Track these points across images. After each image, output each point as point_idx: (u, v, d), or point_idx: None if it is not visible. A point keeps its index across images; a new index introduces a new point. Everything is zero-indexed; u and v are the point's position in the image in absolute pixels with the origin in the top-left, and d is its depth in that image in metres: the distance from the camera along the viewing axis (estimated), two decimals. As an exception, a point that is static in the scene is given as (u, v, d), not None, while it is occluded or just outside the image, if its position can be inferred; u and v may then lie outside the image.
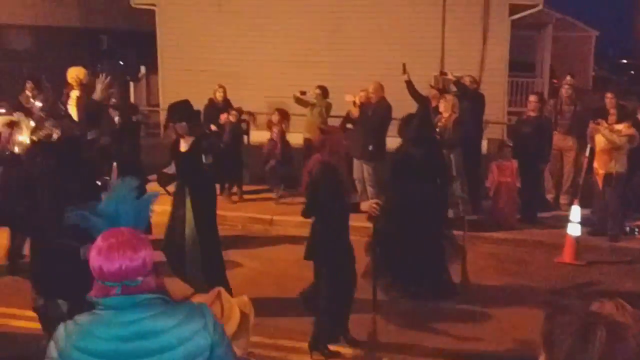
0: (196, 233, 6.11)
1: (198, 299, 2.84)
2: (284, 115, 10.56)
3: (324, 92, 10.87)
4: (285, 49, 14.16)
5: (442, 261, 6.74)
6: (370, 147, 9.14)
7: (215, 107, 10.77)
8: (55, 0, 17.73)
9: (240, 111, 10.55)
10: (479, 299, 6.67)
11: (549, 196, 10.05)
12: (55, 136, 5.02)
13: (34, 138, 4.98)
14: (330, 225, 5.36)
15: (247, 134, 10.87)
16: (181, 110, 6.23)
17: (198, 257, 6.17)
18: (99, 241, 2.21)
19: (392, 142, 11.11)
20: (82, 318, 2.20)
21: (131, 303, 2.17)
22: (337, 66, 13.65)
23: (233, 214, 9.58)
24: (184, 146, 6.21)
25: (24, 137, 7.33)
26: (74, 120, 7.14)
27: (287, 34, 14.15)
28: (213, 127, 10.15)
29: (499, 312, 6.44)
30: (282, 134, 10.46)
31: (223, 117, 10.29)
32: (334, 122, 10.99)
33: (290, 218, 9.37)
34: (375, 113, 9.31)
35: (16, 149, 6.47)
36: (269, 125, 10.54)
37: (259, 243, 8.63)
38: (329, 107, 10.84)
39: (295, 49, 14.11)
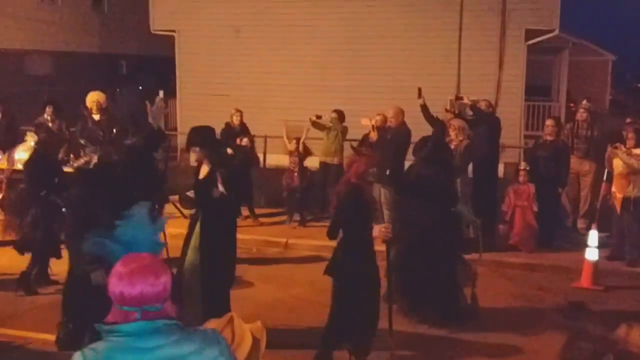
0: (198, 261, 5.82)
1: (211, 324, 2.86)
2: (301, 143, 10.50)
3: (340, 115, 10.92)
4: (302, 74, 14.28)
5: (456, 284, 6.68)
6: (388, 171, 9.15)
7: (232, 131, 10.86)
8: (75, 27, 18.05)
9: (251, 139, 10.60)
10: (496, 324, 6.58)
11: (567, 220, 9.97)
12: (93, 162, 5.17)
13: (75, 165, 5.09)
14: (355, 246, 5.36)
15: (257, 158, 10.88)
16: (202, 136, 6.10)
17: (197, 287, 5.83)
18: (120, 267, 2.21)
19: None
20: (100, 345, 2.17)
21: (150, 329, 2.16)
22: (353, 90, 13.72)
23: (248, 236, 9.58)
24: (202, 172, 6.10)
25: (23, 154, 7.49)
26: (112, 144, 7.26)
27: (303, 59, 14.27)
28: (229, 151, 10.21)
29: (515, 337, 6.35)
30: (300, 163, 10.37)
31: (239, 141, 10.37)
32: (348, 145, 11.05)
33: (306, 241, 9.41)
34: (393, 137, 9.33)
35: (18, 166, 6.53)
36: (289, 154, 10.48)
37: (274, 266, 8.62)
38: (345, 130, 10.88)
39: (312, 73, 14.23)
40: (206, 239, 5.84)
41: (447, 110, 9.97)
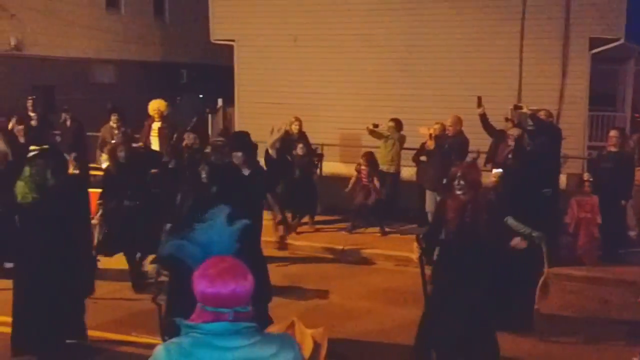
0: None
1: (273, 328, 2.88)
2: (371, 160, 10.29)
3: (398, 124, 10.87)
4: (359, 82, 14.30)
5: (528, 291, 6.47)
6: (445, 180, 9.03)
7: (290, 139, 10.94)
8: (138, 36, 18.56)
9: (311, 148, 10.63)
10: (559, 338, 6.41)
11: (632, 233, 9.64)
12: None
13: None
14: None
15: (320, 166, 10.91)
16: (239, 140, 6.24)
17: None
18: (207, 269, 2.22)
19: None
20: (183, 340, 2.19)
21: (233, 330, 2.18)
22: (411, 99, 13.65)
23: (304, 243, 9.66)
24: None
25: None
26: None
27: (361, 67, 14.29)
28: (288, 158, 10.29)
29: (579, 351, 6.17)
30: (371, 177, 10.18)
31: (301, 146, 10.44)
32: (407, 154, 11.00)
33: (362, 249, 9.38)
34: (451, 146, 9.24)
35: None
36: (357, 170, 10.32)
37: (331, 274, 8.62)
38: (402, 139, 10.82)
39: (369, 82, 14.23)
40: (253, 244, 5.93)
41: (506, 120, 9.81)
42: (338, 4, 14.43)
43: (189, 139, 9.04)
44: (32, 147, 5.84)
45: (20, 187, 5.45)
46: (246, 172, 6.03)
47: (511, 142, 8.59)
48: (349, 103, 14.30)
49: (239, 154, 6.04)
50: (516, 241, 5.37)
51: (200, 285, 2.19)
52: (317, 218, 10.60)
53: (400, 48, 14.04)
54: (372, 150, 11.04)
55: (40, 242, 5.53)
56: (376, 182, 10.14)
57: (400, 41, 14.03)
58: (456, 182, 5.26)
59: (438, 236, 5.45)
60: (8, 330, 5.88)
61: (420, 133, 9.78)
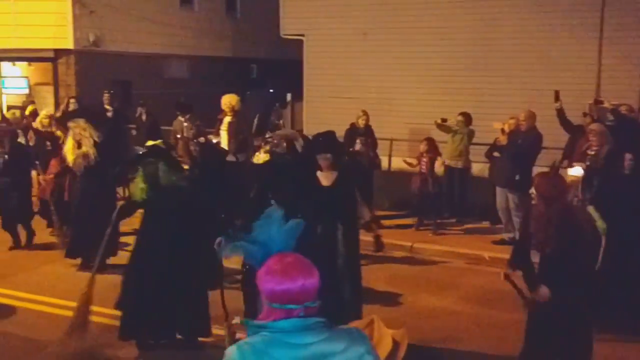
0: (347, 267, 5.94)
1: (353, 324, 2.87)
2: (433, 145, 10.17)
3: (467, 118, 10.67)
4: (429, 76, 14.10)
5: None
6: (517, 177, 8.84)
7: (356, 132, 10.91)
8: (210, 32, 18.90)
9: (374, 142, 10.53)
10: None
11: None
12: None
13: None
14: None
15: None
16: (328, 140, 6.09)
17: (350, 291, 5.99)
18: (272, 266, 2.22)
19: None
20: (255, 340, 2.18)
21: (303, 326, 2.17)
22: (482, 93, 13.37)
23: (371, 239, 9.57)
24: (325, 180, 6.00)
25: None
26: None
27: (431, 61, 14.09)
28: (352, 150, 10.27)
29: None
30: (432, 165, 10.03)
31: (359, 141, 10.36)
32: (476, 149, 10.80)
33: (431, 246, 9.27)
34: (524, 141, 9.00)
35: None
36: (418, 157, 10.17)
37: (401, 271, 8.53)
38: (471, 134, 10.62)
39: (439, 75, 14.01)
40: (352, 244, 5.98)
41: (585, 115, 9.47)
42: (409, -3, 14.29)
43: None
44: (147, 144, 5.90)
45: (135, 186, 5.56)
46: (334, 174, 5.94)
47: (593, 138, 8.29)
48: (419, 97, 14.13)
49: (328, 155, 5.91)
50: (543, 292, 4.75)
51: (268, 283, 2.18)
52: (386, 213, 10.50)
53: (472, 41, 13.74)
54: (441, 144, 10.89)
55: (159, 238, 5.59)
56: (434, 170, 9.97)
57: (473, 34, 13.73)
58: (532, 192, 4.99)
59: (528, 249, 5.00)
60: (103, 320, 6.13)
61: (493, 128, 9.57)
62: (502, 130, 9.30)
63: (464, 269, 8.62)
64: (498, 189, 9.34)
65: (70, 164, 8.16)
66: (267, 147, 7.09)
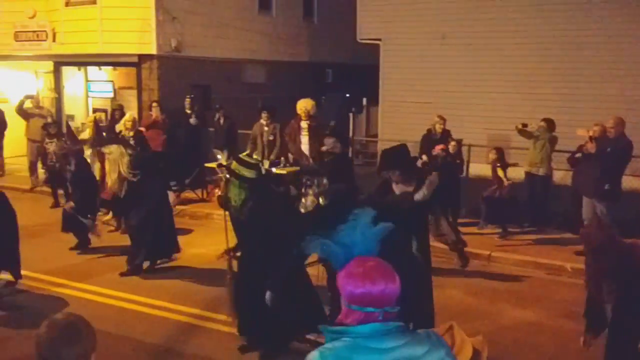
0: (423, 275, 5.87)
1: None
2: (502, 154, 10.07)
3: (550, 124, 10.35)
4: (510, 81, 13.76)
5: None
6: (607, 186, 8.51)
7: (432, 138, 10.79)
8: (287, 37, 19.09)
9: (458, 145, 10.37)
10: None
11: None
12: None
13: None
14: None
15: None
16: (393, 157, 5.94)
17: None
18: (353, 268, 2.22)
19: (632, 181, 10.26)
20: (337, 345, 2.18)
21: (384, 331, 2.17)
22: (565, 99, 12.93)
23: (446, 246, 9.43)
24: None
25: None
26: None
27: (512, 65, 13.75)
28: (424, 158, 10.13)
29: None
30: (502, 173, 9.93)
31: (437, 148, 10.21)
32: (558, 156, 10.46)
33: (511, 255, 9.03)
34: (614, 149, 8.63)
35: None
36: (492, 165, 10.07)
37: (478, 279, 8.35)
38: (553, 140, 10.28)
39: (521, 81, 13.65)
40: (426, 251, 5.88)
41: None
42: (489, 0, 13.99)
43: (328, 143, 8.82)
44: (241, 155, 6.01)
45: (232, 191, 5.60)
46: (410, 188, 5.79)
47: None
48: (498, 102, 13.82)
49: (396, 172, 5.78)
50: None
51: (348, 285, 2.19)
52: (463, 220, 10.32)
53: (555, 45, 13.33)
54: (522, 151, 10.63)
55: (254, 244, 5.61)
56: (503, 178, 9.82)
57: (555, 38, 13.30)
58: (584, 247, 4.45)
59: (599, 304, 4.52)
60: (168, 315, 6.27)
61: (578, 135, 9.23)
62: (591, 138, 8.93)
63: (545, 280, 8.35)
64: (585, 199, 9.00)
65: (111, 188, 8.40)
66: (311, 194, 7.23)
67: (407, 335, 2.20)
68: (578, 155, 9.33)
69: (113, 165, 8.14)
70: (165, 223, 8.51)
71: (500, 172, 9.92)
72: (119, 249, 8.95)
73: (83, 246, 9.39)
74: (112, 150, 8.23)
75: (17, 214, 7.57)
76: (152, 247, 8.36)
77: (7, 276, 7.58)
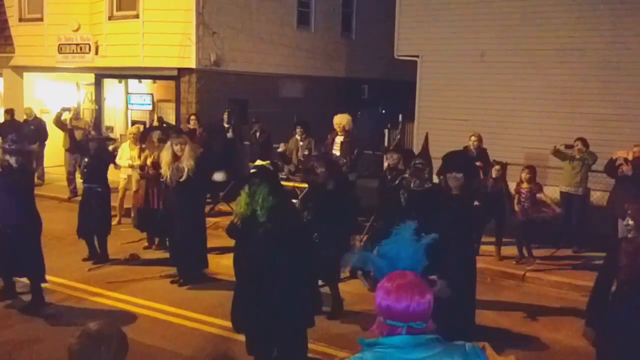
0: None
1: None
2: (534, 174, 9.78)
3: (585, 144, 10.21)
4: (550, 100, 13.57)
5: None
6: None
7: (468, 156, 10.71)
8: (324, 53, 19.19)
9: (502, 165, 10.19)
10: None
11: None
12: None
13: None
14: None
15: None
16: (459, 159, 5.97)
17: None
18: (386, 282, 2.29)
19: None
20: (367, 356, 2.25)
21: (415, 343, 2.21)
22: (604, 118, 12.70)
23: (482, 265, 9.30)
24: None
25: None
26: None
27: (552, 83, 13.56)
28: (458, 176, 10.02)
29: None
30: (531, 192, 9.65)
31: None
32: (595, 177, 10.30)
33: (546, 276, 8.89)
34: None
35: None
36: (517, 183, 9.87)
37: (511, 301, 8.24)
38: (594, 158, 10.12)
39: (561, 99, 13.46)
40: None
41: None
42: (530, 18, 13.84)
43: (392, 159, 8.77)
44: (256, 163, 6.03)
45: (241, 200, 5.66)
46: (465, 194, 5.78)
47: None
48: (537, 121, 13.64)
49: (459, 175, 5.75)
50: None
51: (378, 297, 2.27)
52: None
53: (596, 64, 13.12)
54: (559, 170, 10.46)
55: (260, 256, 5.56)
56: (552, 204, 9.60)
57: (597, 57, 13.09)
58: (625, 222, 4.55)
59: (607, 293, 4.55)
60: (200, 327, 6.31)
61: (616, 156, 9.07)
62: (626, 160, 8.78)
63: (581, 302, 8.14)
64: (620, 221, 8.81)
65: (164, 175, 8.48)
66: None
67: (438, 346, 2.24)
68: (620, 163, 9.06)
69: (176, 154, 8.26)
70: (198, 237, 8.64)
71: (547, 198, 9.69)
72: (155, 260, 9.09)
73: (101, 259, 9.39)
74: (180, 138, 8.36)
75: (43, 221, 7.69)
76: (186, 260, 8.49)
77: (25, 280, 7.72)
